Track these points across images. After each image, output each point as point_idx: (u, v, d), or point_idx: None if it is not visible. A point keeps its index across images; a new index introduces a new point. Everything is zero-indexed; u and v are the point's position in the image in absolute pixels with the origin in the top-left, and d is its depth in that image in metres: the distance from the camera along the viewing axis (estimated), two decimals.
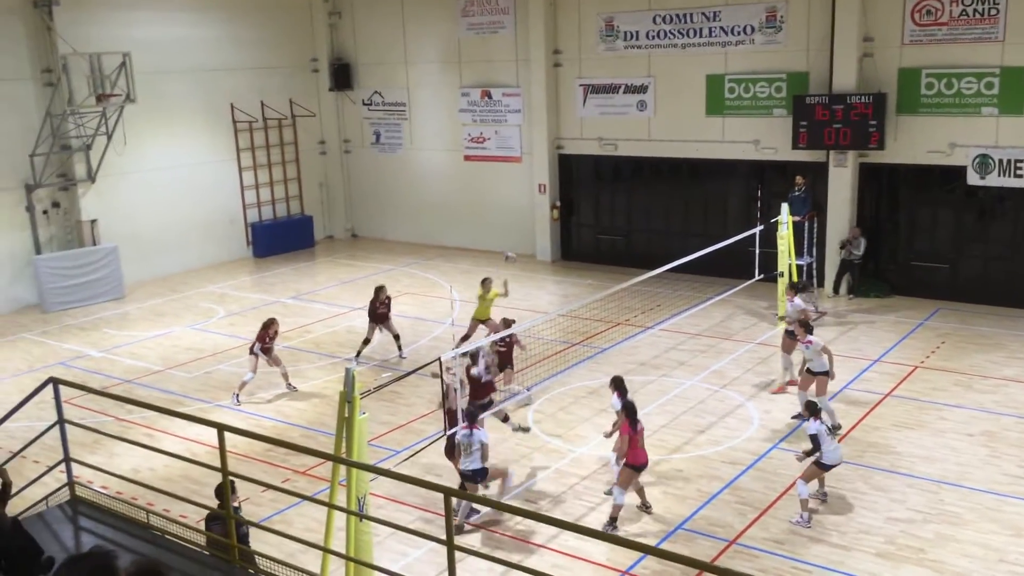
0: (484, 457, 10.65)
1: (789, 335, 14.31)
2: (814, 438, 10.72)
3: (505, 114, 24.62)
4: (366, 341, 16.78)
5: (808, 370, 13.03)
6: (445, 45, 25.35)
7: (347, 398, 8.46)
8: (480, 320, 16.41)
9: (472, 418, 10.78)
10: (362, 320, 19.48)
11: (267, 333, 15.39)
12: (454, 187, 26.06)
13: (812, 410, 10.99)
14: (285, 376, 15.59)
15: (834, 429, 12.08)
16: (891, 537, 10.37)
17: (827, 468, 10.90)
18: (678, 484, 11.85)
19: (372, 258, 25.41)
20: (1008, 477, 11.61)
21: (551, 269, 23.55)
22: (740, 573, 7.67)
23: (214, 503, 8.64)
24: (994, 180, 18.08)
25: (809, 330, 13.05)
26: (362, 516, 8.11)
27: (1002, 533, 10.35)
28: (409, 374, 12.69)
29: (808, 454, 10.85)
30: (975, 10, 17.90)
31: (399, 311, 20.04)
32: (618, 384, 11.34)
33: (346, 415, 8.50)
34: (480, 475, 10.70)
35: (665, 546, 10.32)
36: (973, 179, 18.29)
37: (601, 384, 15.04)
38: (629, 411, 10.73)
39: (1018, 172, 17.80)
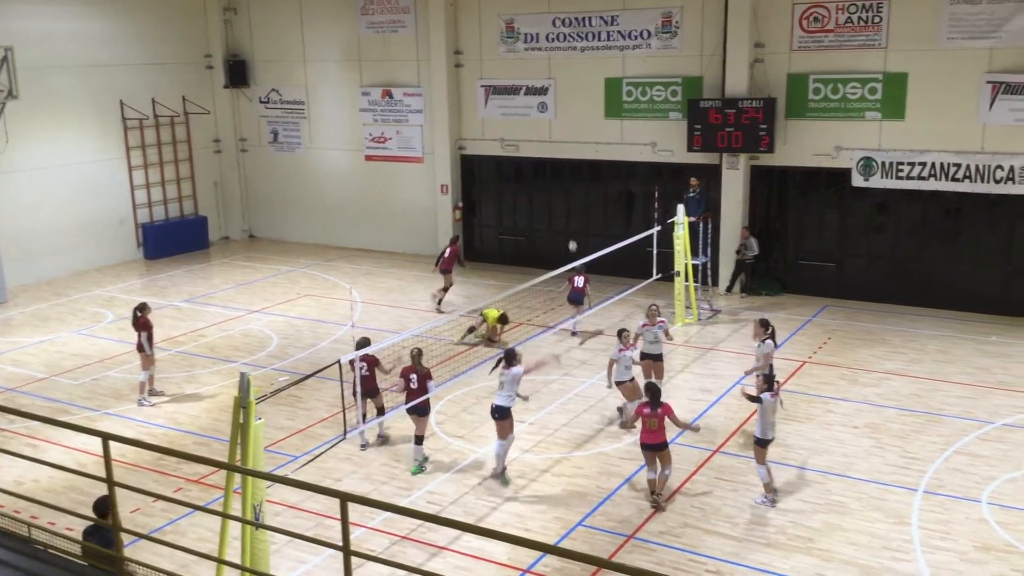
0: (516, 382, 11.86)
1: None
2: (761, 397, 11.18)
3: (406, 114, 24.47)
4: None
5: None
6: (345, 43, 25.04)
7: (242, 403, 8.29)
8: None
9: (510, 358, 11.94)
10: (258, 323, 19.11)
11: (147, 318, 14.89)
12: (355, 187, 25.77)
13: (769, 383, 11.38)
14: (147, 383, 15.06)
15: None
16: (782, 528, 10.72)
17: (765, 444, 11.26)
18: (578, 481, 11.98)
19: (270, 259, 24.91)
20: (891, 467, 12.13)
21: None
22: (636, 568, 7.81)
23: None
24: (877, 182, 18.91)
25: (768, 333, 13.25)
26: (258, 525, 7.95)
27: (886, 521, 10.81)
28: (307, 377, 12.46)
29: (751, 399, 11.38)
30: (859, 18, 18.67)
31: (298, 313, 19.74)
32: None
33: (241, 421, 8.33)
34: (498, 412, 11.77)
35: (565, 543, 10.44)
36: (857, 181, 19.08)
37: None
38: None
39: (899, 174, 18.65)
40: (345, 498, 5.23)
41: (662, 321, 14.03)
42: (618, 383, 13.12)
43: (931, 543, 10.30)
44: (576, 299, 18.04)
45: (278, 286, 22.15)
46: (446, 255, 19.83)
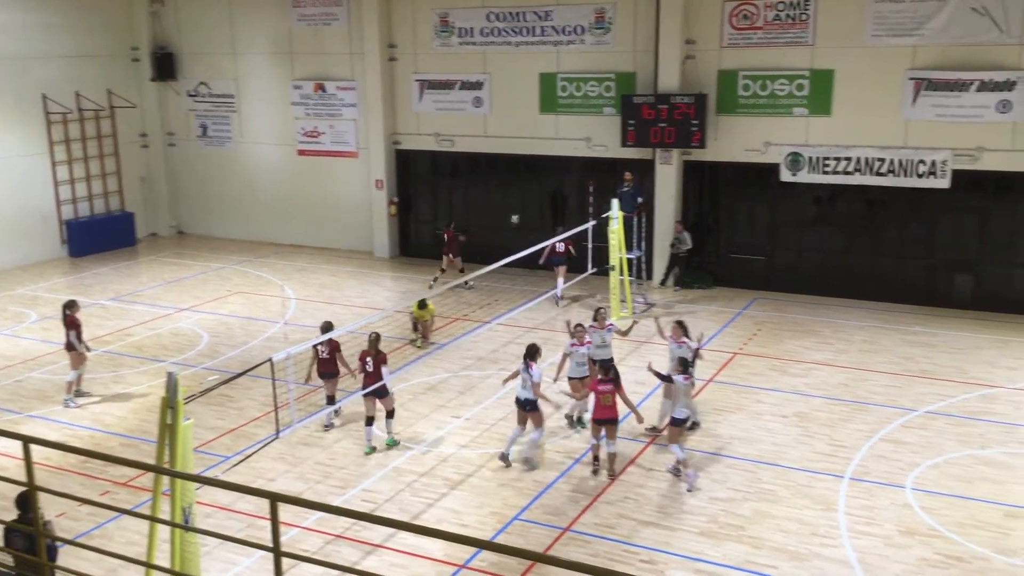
0: (535, 394, 11.97)
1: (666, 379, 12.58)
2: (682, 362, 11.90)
3: (340, 108, 24.21)
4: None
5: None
6: (275, 36, 24.66)
7: (170, 404, 8.12)
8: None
9: (531, 355, 12.20)
10: (187, 321, 18.75)
11: (75, 316, 14.53)
12: (288, 182, 25.40)
13: (684, 366, 11.89)
14: (75, 382, 14.69)
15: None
16: (713, 516, 10.90)
17: (681, 424, 11.62)
18: (515, 475, 12.01)
19: (200, 256, 24.43)
20: (819, 455, 12.42)
21: (389, 265, 23.37)
22: (570, 561, 7.86)
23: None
24: (804, 177, 19.31)
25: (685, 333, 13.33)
26: (187, 528, 7.80)
27: (814, 508, 11.06)
28: (238, 376, 12.26)
29: (660, 376, 12.07)
30: (787, 15, 19.03)
31: (229, 310, 19.40)
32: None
33: (169, 422, 8.16)
34: (528, 405, 12.04)
35: (501, 537, 10.45)
36: (786, 176, 19.46)
37: (440, 380, 15.10)
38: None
39: (826, 169, 19.07)
40: (275, 498, 5.16)
41: (611, 324, 13.89)
42: (570, 378, 13.09)
43: (857, 528, 10.57)
44: (557, 261, 18.91)
45: (208, 283, 21.74)
46: (446, 240, 20.85)
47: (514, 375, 12.36)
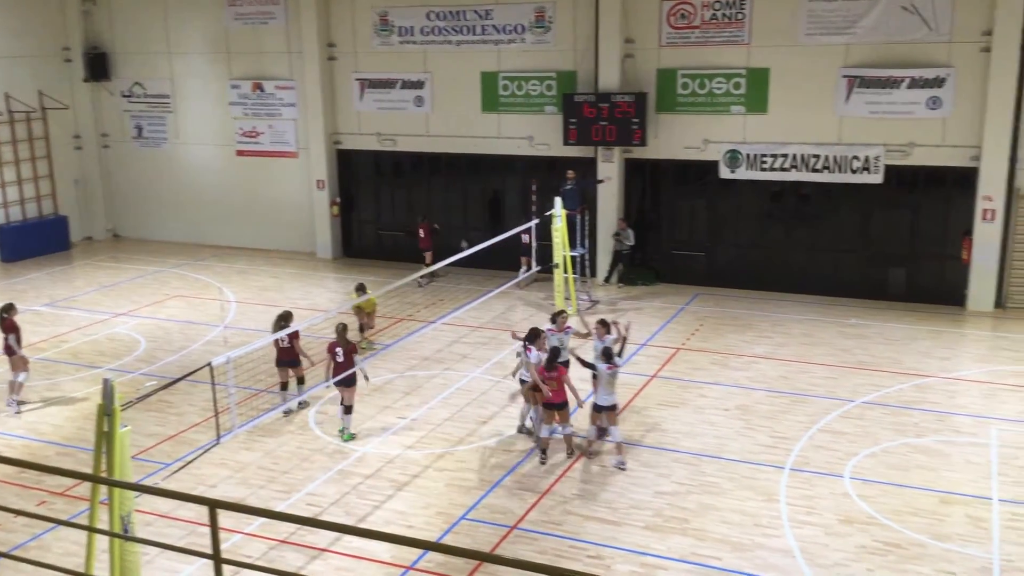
0: (532, 376, 12.25)
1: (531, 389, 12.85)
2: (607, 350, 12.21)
3: (279, 108, 23.91)
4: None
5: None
6: (212, 35, 24.26)
7: (106, 411, 7.96)
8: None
9: (531, 338, 12.53)
10: (124, 326, 18.39)
11: (13, 320, 14.21)
12: (226, 183, 25.02)
13: (608, 356, 12.18)
14: (20, 387, 14.33)
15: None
16: (658, 510, 11.01)
17: (600, 410, 12.12)
18: (462, 475, 12.00)
19: (137, 260, 23.93)
20: (760, 447, 12.63)
21: (332, 266, 23.16)
22: (516, 559, 7.88)
23: None
24: (743, 174, 19.62)
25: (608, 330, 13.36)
26: (126, 537, 7.65)
27: (756, 499, 11.24)
28: (177, 381, 12.03)
29: (583, 363, 12.49)
30: (724, 15, 19.30)
31: (167, 315, 19.06)
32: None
33: (106, 429, 7.99)
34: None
35: (449, 537, 10.44)
36: (725, 173, 19.75)
37: (385, 381, 15.02)
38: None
39: (763, 166, 19.40)
40: (213, 505, 5.07)
41: (569, 327, 13.74)
42: (523, 381, 13.04)
43: (798, 518, 10.77)
44: (525, 252, 19.51)
45: (146, 287, 21.31)
46: (421, 235, 21.13)
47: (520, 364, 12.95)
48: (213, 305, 19.53)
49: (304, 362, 13.90)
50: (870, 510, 10.91)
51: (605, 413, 12.13)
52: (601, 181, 20.21)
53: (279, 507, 11.13)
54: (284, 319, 13.71)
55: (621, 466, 12.01)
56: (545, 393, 12.07)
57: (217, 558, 5.18)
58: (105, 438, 7.95)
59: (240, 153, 24.65)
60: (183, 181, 25.53)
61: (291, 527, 10.58)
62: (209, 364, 11.11)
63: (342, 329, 13.12)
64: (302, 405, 14.03)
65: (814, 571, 9.74)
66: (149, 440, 13.05)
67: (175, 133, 25.41)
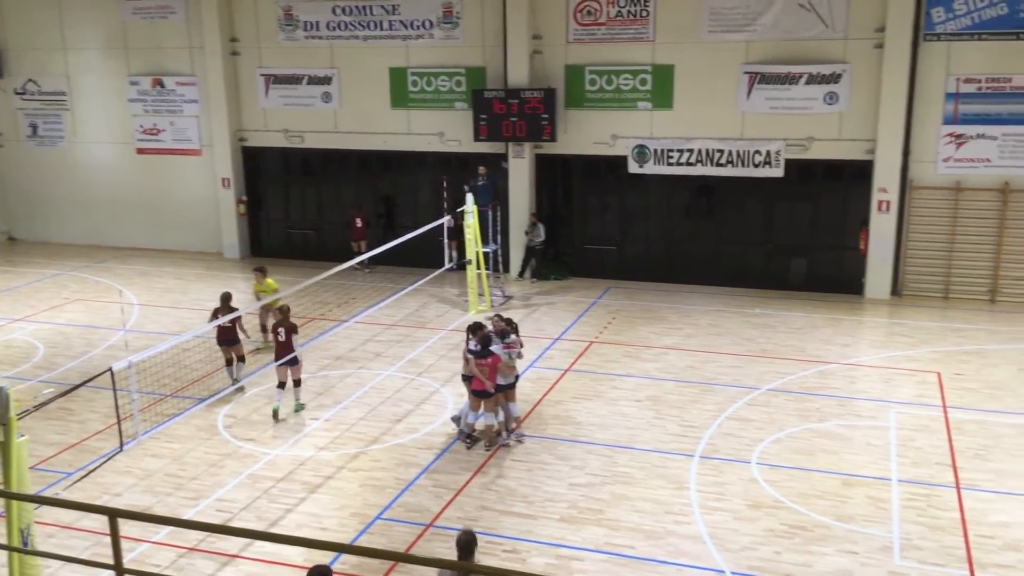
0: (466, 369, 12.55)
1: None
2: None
3: (181, 104, 23.28)
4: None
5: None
6: (109, 30, 23.46)
7: (1, 420, 7.67)
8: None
9: (473, 331, 12.47)
10: (22, 332, 17.68)
11: None
12: (127, 183, 24.24)
13: (503, 336, 12.49)
14: None
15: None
16: (573, 502, 11.13)
17: (484, 396, 12.36)
18: (376, 474, 11.90)
19: (34, 263, 22.99)
20: (671, 436, 12.88)
21: (240, 266, 22.66)
22: (431, 558, 7.87)
23: None
24: (651, 168, 19.95)
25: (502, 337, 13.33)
26: (25, 551, 7.37)
27: (667, 487, 11.46)
28: (77, 387, 11.62)
29: (473, 354, 12.39)
30: (629, 12, 19.57)
31: (67, 319, 18.38)
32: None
33: (1, 439, 7.71)
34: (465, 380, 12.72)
35: (364, 538, 10.34)
36: (633, 168, 20.05)
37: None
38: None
39: (670, 161, 19.76)
40: (113, 514, 4.92)
41: (513, 346, 12.82)
42: (465, 376, 12.86)
43: (708, 504, 11.02)
44: (452, 236, 19.81)
45: (43, 291, 20.50)
46: (358, 225, 21.55)
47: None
48: (114, 308, 18.92)
49: (242, 336, 14.57)
50: (776, 494, 11.23)
51: (504, 392, 12.55)
52: (505, 165, 20.24)
53: (188, 514, 10.85)
54: (227, 299, 14.51)
55: (520, 438, 12.59)
56: (484, 380, 12.26)
57: (119, 569, 5.04)
58: (1, 449, 7.65)
59: (141, 151, 23.92)
60: (82, 181, 24.65)
61: (200, 534, 10.33)
62: (110, 369, 10.76)
63: (286, 311, 13.68)
64: (238, 390, 14.55)
65: (724, 556, 9.99)
66: (50, 449, 12.56)
67: (72, 131, 24.50)
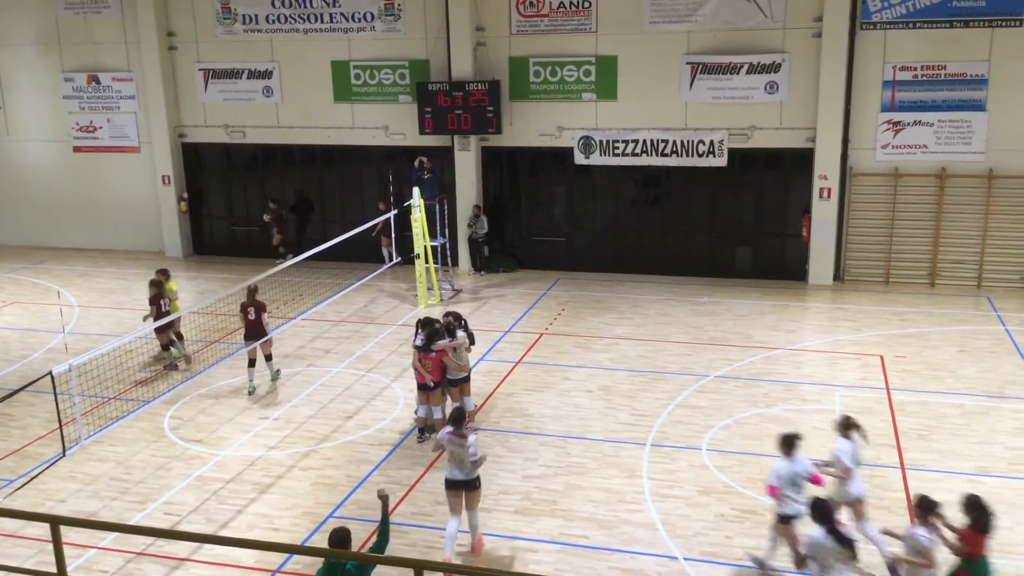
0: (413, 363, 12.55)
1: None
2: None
3: (117, 101, 22.75)
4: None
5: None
6: (41, 26, 22.81)
7: None
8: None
9: (422, 326, 12.37)
10: None
11: None
12: (63, 182, 23.63)
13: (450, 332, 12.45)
14: None
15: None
16: (527, 493, 11.14)
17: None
18: (328, 473, 11.78)
19: None
20: (623, 425, 12.96)
21: (183, 265, 22.23)
22: (383, 556, 7.80)
23: None
24: (597, 159, 20.02)
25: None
26: None
27: (620, 476, 11.53)
28: (16, 392, 11.30)
29: (417, 348, 12.36)
30: (571, 3, 19.58)
31: (4, 323, 17.87)
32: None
33: None
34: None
35: (316, 538, 10.22)
36: (579, 159, 20.10)
37: (244, 381, 14.54)
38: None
39: (615, 151, 19.85)
40: (55, 522, 4.79)
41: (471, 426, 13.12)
42: (452, 381, 12.67)
43: (660, 492, 11.12)
44: (387, 233, 20.10)
45: None
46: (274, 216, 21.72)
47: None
48: (54, 310, 18.44)
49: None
50: (727, 480, 11.36)
51: (458, 387, 12.55)
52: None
53: (135, 518, 10.63)
54: (253, 292, 14.21)
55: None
56: (424, 374, 12.26)
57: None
58: None
59: (77, 149, 23.33)
60: (16, 180, 23.97)
61: (148, 538, 10.12)
62: (50, 373, 10.49)
63: (253, 289, 14.12)
64: (171, 366, 15.13)
65: (676, 542, 10.08)
66: None
67: (5, 130, 23.80)
